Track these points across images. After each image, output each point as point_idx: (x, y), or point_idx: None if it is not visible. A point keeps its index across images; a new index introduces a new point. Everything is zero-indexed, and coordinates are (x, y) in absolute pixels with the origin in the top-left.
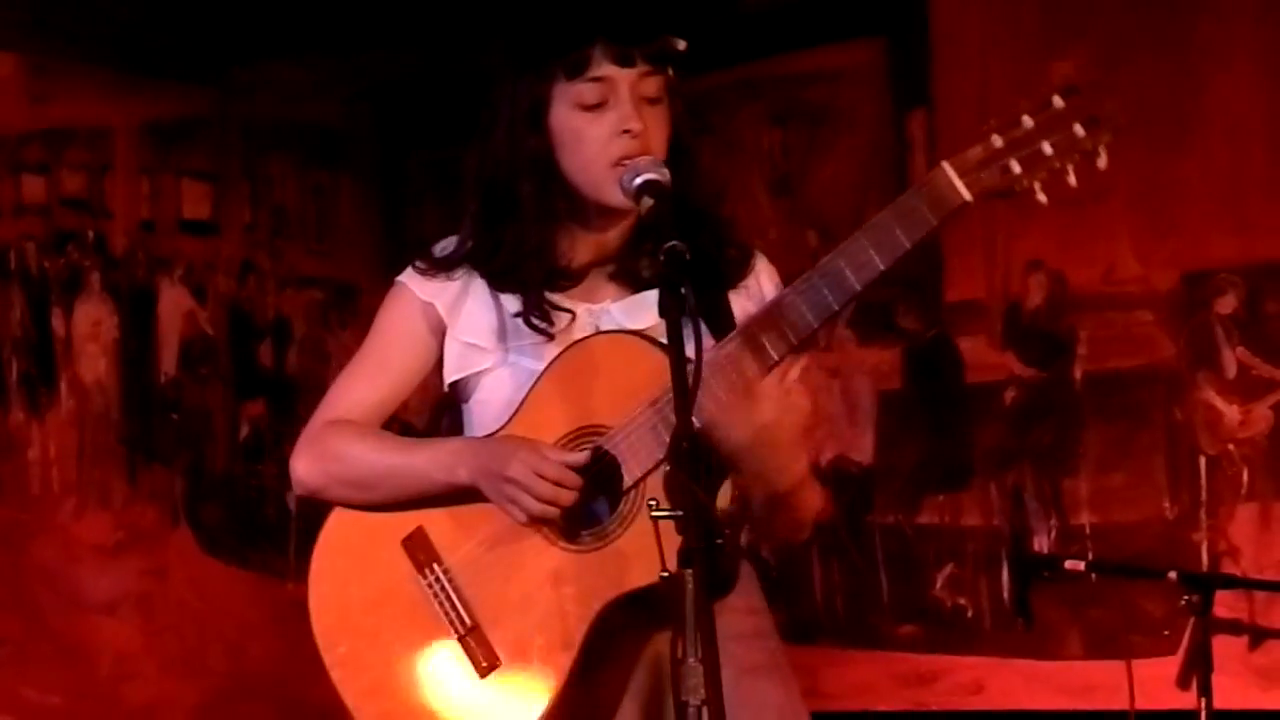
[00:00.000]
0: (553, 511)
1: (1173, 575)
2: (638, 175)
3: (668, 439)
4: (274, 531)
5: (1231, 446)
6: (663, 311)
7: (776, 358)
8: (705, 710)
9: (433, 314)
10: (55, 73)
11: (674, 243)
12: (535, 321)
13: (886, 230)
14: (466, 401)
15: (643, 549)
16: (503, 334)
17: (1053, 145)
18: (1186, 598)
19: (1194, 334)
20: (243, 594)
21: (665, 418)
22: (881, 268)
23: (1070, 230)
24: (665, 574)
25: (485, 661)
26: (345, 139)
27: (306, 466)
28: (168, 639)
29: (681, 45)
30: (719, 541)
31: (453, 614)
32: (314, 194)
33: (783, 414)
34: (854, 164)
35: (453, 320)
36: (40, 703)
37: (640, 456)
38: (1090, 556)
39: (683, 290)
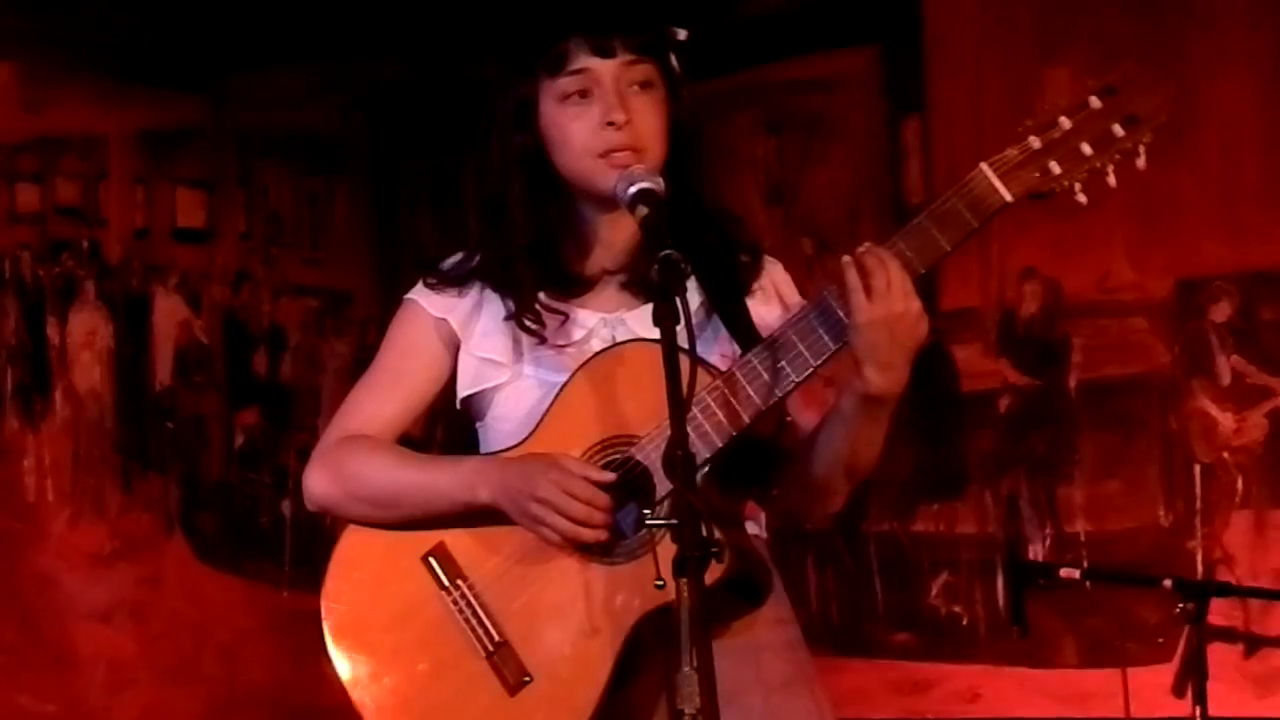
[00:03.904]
0: (585, 534)
1: (1168, 583)
2: (632, 184)
3: (702, 448)
4: (269, 540)
5: (1226, 454)
6: (656, 320)
7: (816, 362)
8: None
9: (446, 329)
10: (49, 81)
11: (668, 251)
12: (528, 323)
13: (925, 233)
14: (481, 420)
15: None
16: (519, 349)
17: (1092, 145)
18: (1181, 605)
19: (1189, 342)
20: (237, 602)
21: (699, 427)
22: (920, 271)
23: (1064, 238)
24: (659, 583)
25: (514, 679)
26: (340, 147)
27: (322, 483)
28: (162, 647)
29: (681, 34)
30: (714, 550)
31: (479, 630)
32: (309, 202)
33: (909, 306)
34: (848, 171)
35: (467, 336)
36: (35, 711)
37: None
38: (1085, 564)
39: (677, 300)
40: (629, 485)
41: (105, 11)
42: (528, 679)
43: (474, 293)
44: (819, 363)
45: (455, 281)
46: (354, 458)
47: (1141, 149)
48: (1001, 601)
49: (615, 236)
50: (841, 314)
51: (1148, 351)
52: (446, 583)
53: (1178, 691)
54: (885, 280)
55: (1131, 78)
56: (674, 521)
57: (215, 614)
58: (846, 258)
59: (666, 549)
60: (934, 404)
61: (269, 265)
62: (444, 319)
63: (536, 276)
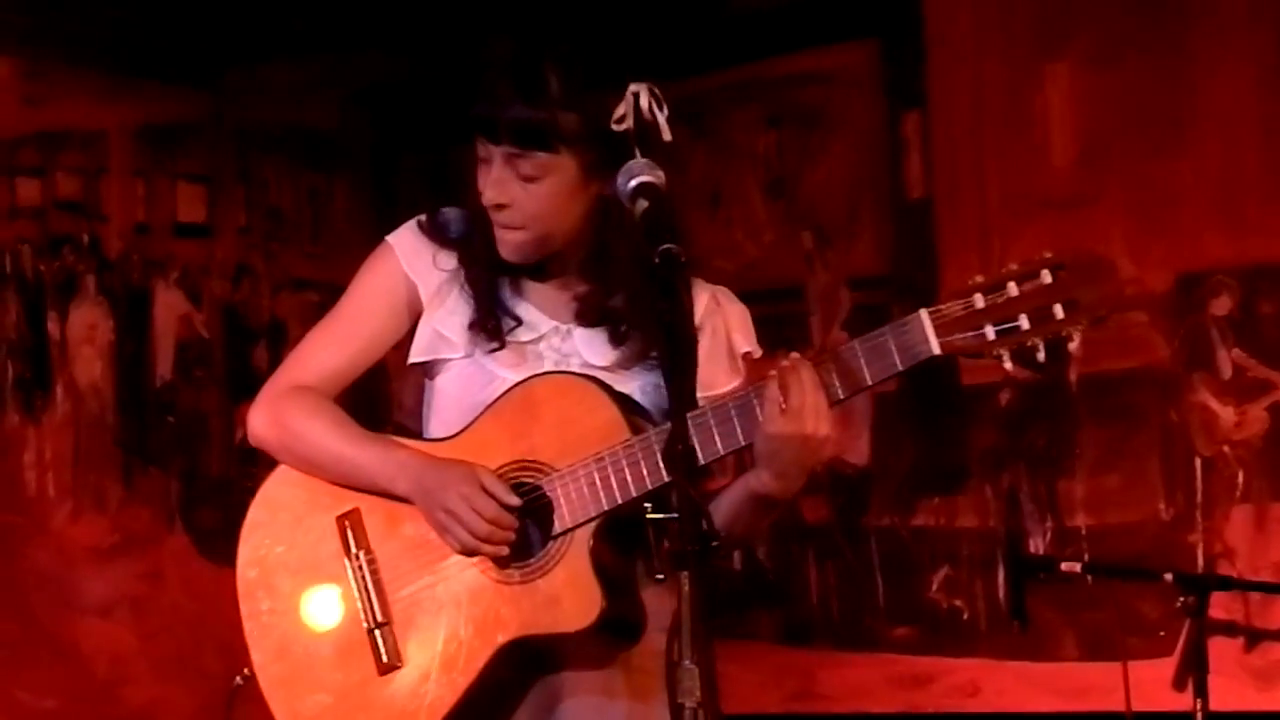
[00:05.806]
0: (486, 549)
1: (1168, 577)
2: (631, 178)
3: (604, 499)
4: None
5: (1227, 448)
6: (657, 313)
7: (723, 451)
8: (701, 713)
9: (414, 293)
10: (50, 75)
11: (669, 246)
12: (488, 328)
13: (853, 361)
14: (432, 379)
15: (559, 596)
16: (474, 335)
17: (1030, 320)
18: (1182, 599)
19: (1189, 335)
20: (238, 597)
21: (606, 478)
22: (840, 398)
23: (1064, 231)
24: (660, 578)
25: (387, 660)
26: (340, 142)
27: (264, 427)
28: (162, 642)
29: (618, 117)
30: (715, 544)
31: (368, 603)
32: (309, 196)
33: (817, 430)
34: (848, 166)
35: (432, 307)
36: (35, 706)
37: (574, 507)
38: (1086, 558)
39: (679, 291)
40: (532, 512)
41: (105, 6)
42: (398, 664)
43: (450, 268)
44: (726, 452)
45: (441, 239)
46: (296, 412)
47: (1075, 335)
48: (1002, 595)
49: (563, 269)
50: (759, 414)
51: (1148, 345)
52: (352, 549)
53: (1178, 685)
54: (801, 400)
55: (1084, 262)
56: (674, 515)
57: (216, 609)
58: (774, 370)
59: (553, 580)
60: (934, 398)
61: (269, 260)
62: (415, 283)
63: (494, 279)
